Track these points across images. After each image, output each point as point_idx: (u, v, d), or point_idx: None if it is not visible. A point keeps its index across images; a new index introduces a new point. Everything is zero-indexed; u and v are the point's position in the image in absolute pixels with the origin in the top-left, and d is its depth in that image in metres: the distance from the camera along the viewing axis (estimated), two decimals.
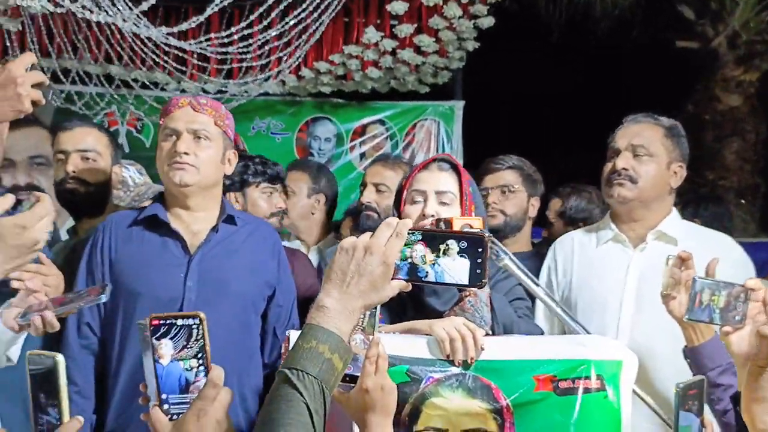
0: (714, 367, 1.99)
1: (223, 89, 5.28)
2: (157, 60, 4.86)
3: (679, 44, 7.40)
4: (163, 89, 5.38)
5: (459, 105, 6.06)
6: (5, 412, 1.87)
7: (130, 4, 3.52)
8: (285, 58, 4.71)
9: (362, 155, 6.03)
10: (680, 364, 2.14)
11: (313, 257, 3.44)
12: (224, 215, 2.50)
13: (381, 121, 6.03)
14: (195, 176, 2.39)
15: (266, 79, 4.92)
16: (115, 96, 5.40)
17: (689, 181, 2.91)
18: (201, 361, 1.29)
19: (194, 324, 1.29)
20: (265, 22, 4.09)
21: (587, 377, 1.91)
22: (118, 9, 3.34)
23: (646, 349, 2.33)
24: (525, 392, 1.91)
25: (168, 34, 3.64)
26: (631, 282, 2.51)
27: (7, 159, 2.60)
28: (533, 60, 7.45)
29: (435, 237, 1.32)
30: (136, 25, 3.41)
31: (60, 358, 1.39)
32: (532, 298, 2.39)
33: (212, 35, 4.27)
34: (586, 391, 1.91)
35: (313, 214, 3.46)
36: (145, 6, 3.12)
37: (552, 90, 7.71)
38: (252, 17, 4.11)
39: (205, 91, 5.27)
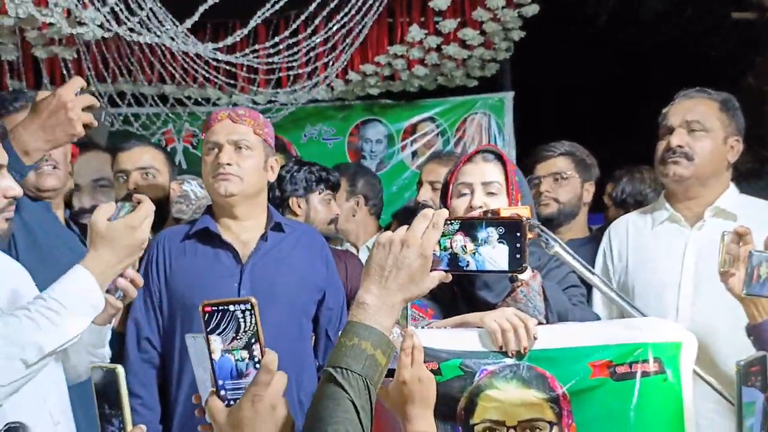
0: None
1: (273, 99, 5.36)
2: (207, 76, 4.97)
3: (734, 16, 7.16)
4: (215, 104, 5.49)
5: (509, 96, 6.00)
6: (82, 425, 1.94)
7: (176, 21, 3.61)
8: (331, 62, 4.75)
9: (414, 153, 6.02)
10: (742, 342, 2.10)
11: (363, 257, 3.48)
12: (272, 223, 2.56)
13: (431, 119, 6.02)
14: (239, 185, 2.47)
15: (314, 86, 4.97)
16: (170, 115, 5.54)
17: (753, 155, 2.83)
18: (253, 352, 1.29)
19: (246, 310, 1.29)
20: (309, 30, 4.14)
21: (645, 361, 1.88)
22: (166, 28, 3.43)
23: (707, 329, 2.28)
24: (581, 380, 1.89)
25: (215, 49, 3.72)
26: (689, 262, 2.46)
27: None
28: (583, 46, 7.31)
29: (473, 225, 1.31)
30: (184, 42, 3.50)
31: (120, 369, 1.43)
32: (588, 285, 2.36)
33: (258, 47, 4.33)
34: (645, 375, 1.87)
35: (354, 216, 3.50)
36: (188, 23, 3.19)
37: (603, 75, 7.56)
38: (296, 25, 4.16)
39: (255, 102, 5.36)
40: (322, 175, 3.22)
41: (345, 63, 4.88)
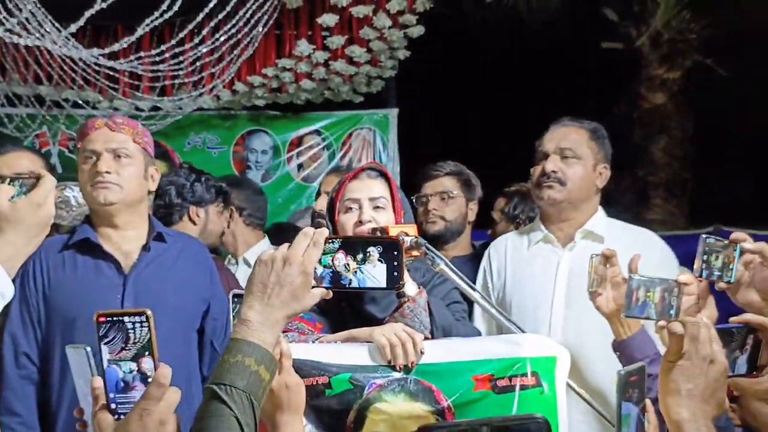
0: (642, 358, 2.08)
1: (157, 106, 5.25)
2: (88, 79, 4.81)
3: (604, 45, 7.61)
4: (95, 107, 5.32)
5: (393, 113, 6.14)
6: None
7: (58, 25, 3.49)
8: (218, 73, 4.71)
9: (300, 166, 6.06)
10: (611, 357, 2.24)
11: (242, 269, 3.49)
12: (154, 233, 2.53)
13: (317, 132, 6.07)
14: (119, 194, 2.43)
15: (200, 95, 4.91)
16: (47, 117, 5.32)
17: (618, 178, 3.04)
18: (142, 365, 1.28)
19: (138, 322, 1.27)
20: (196, 39, 4.09)
21: (523, 374, 1.98)
22: (47, 31, 3.31)
23: (578, 345, 2.43)
24: (465, 392, 1.97)
25: (99, 55, 3.62)
26: (561, 280, 2.61)
27: None
28: (463, 64, 7.59)
29: (353, 244, 1.38)
30: (65, 47, 3.38)
31: (88, 348, 1.47)
32: (469, 301, 2.47)
33: (143, 54, 4.24)
34: (523, 387, 1.98)
35: (228, 227, 3.50)
36: (73, 28, 3.10)
37: (483, 93, 7.88)
38: (183, 34, 4.11)
39: (138, 108, 5.24)
40: (221, 187, 3.24)
41: (232, 74, 4.84)
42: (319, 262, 1.36)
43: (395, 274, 1.36)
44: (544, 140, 2.68)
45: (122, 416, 1.25)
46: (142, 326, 1.27)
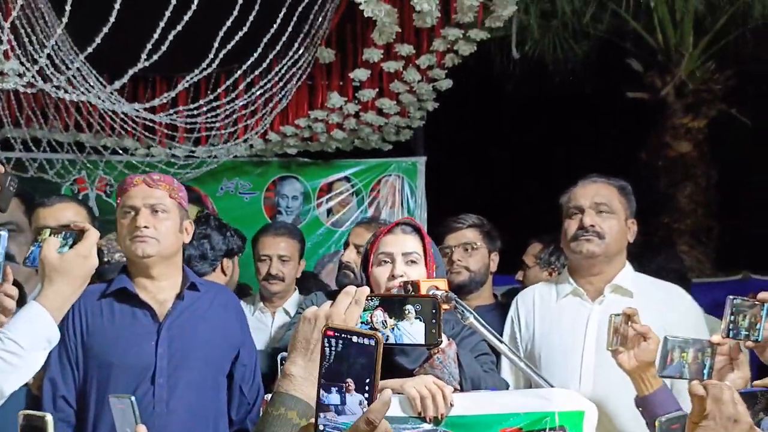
0: (664, 414, 2.13)
1: (192, 154, 5.40)
2: (126, 128, 4.97)
3: (629, 95, 7.69)
4: (132, 155, 5.49)
5: (421, 161, 6.25)
6: None
7: (102, 80, 3.64)
8: (252, 125, 4.85)
9: (329, 211, 6.17)
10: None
11: (279, 319, 3.58)
12: (188, 282, 2.64)
13: (347, 178, 6.20)
14: (156, 247, 2.54)
15: (234, 145, 5.05)
16: (87, 163, 5.50)
17: (646, 225, 3.08)
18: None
19: (369, 345, 1.17)
20: (233, 94, 4.24)
21: (552, 429, 2.04)
22: (91, 86, 3.46)
23: (606, 398, 2.46)
24: None
25: (142, 108, 3.76)
26: (590, 334, 2.63)
27: None
28: (490, 115, 7.71)
29: (392, 302, 1.44)
30: (109, 101, 3.53)
31: (49, 417, 1.49)
32: (496, 352, 2.53)
33: (181, 107, 4.39)
34: None
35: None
36: (117, 85, 3.23)
37: (509, 142, 7.98)
38: (220, 90, 4.26)
39: (173, 156, 5.39)
40: (244, 237, 3.37)
41: (266, 127, 4.98)
42: (359, 318, 1.42)
43: (433, 331, 1.42)
44: (577, 195, 2.73)
45: None
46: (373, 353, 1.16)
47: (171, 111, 4.10)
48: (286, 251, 3.52)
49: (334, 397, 1.17)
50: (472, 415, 2.06)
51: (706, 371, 1.91)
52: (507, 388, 2.46)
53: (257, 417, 2.75)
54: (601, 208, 2.69)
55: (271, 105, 4.46)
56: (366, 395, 1.15)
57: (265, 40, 3.51)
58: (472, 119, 7.62)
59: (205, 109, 4.42)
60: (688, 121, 7.39)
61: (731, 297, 1.95)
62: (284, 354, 1.90)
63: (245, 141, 5.06)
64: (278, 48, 3.58)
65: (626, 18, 7.16)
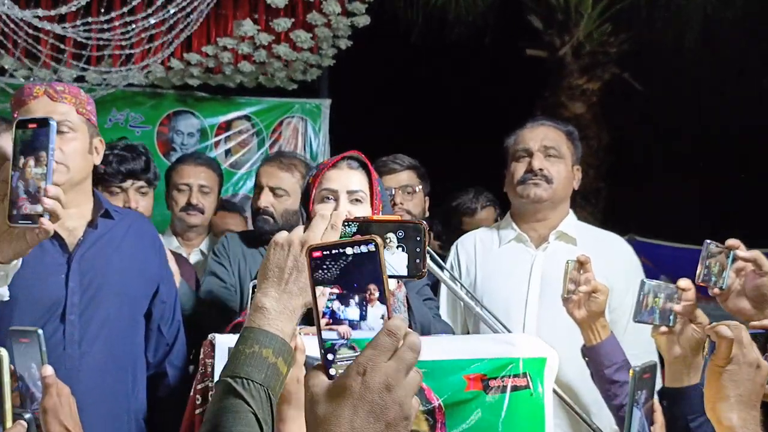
0: (610, 365, 2.09)
1: (80, 77, 4.91)
2: (6, 36, 4.41)
3: (528, 52, 7.73)
4: (11, 76, 4.93)
5: (326, 103, 6.01)
6: None
7: None
8: (154, 49, 4.45)
9: (228, 151, 5.84)
10: (582, 360, 2.24)
11: (194, 260, 3.32)
12: (101, 209, 2.35)
13: (247, 117, 5.86)
14: (64, 175, 2.21)
15: (131, 71, 4.62)
16: None
17: None
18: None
19: (369, 252, 1.00)
20: (148, 11, 3.85)
21: (516, 375, 1.95)
22: None
23: (551, 345, 2.41)
24: (456, 392, 1.93)
25: (43, 17, 3.31)
26: (534, 281, 2.58)
27: None
28: (394, 61, 7.58)
29: (372, 228, 1.27)
30: (2, 4, 3.08)
31: (3, 352, 1.28)
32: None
33: (76, 23, 3.93)
34: (515, 389, 1.95)
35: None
36: None
37: (410, 88, 7.90)
38: (134, 3, 3.85)
39: (59, 80, 4.88)
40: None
41: (166, 54, 4.57)
42: None
43: (417, 261, 1.26)
44: (525, 138, 2.64)
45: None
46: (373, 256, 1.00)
47: (80, 22, 3.65)
48: (207, 181, 3.26)
49: (353, 311, 1.00)
50: (434, 360, 1.95)
51: (671, 317, 1.86)
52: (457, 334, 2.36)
53: (176, 359, 2.54)
54: (550, 152, 2.62)
55: (175, 30, 4.09)
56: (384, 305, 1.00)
57: None
58: (375, 64, 7.45)
59: (101, 26, 3.99)
60: (584, 82, 7.52)
61: (708, 241, 1.91)
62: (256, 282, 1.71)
63: (143, 68, 4.63)
64: None
65: None
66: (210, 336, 1.93)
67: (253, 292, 1.69)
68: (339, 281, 1.01)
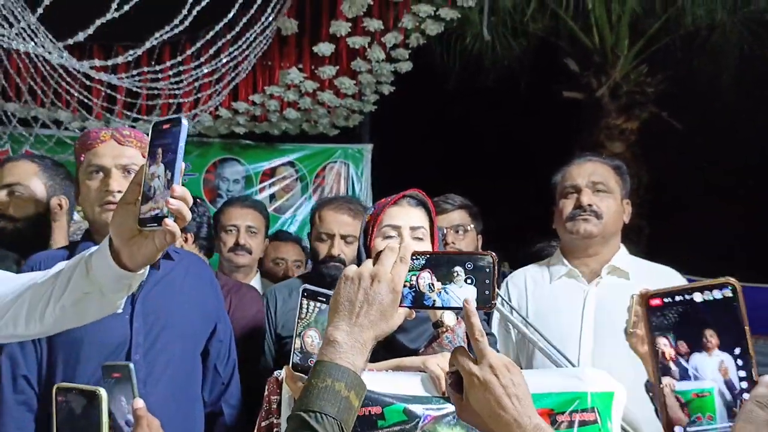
0: None
1: (133, 127, 5.06)
2: (59, 95, 4.58)
3: (565, 95, 7.79)
4: (66, 128, 5.09)
5: (368, 148, 6.12)
6: None
7: (51, 38, 3.35)
8: (202, 99, 4.59)
9: (272, 197, 5.95)
10: (640, 395, 2.22)
11: None
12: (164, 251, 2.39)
13: (291, 163, 5.99)
14: None
15: (192, 117, 4.76)
16: (14, 135, 5.05)
17: None
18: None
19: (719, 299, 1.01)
20: (200, 60, 3.98)
21: (584, 410, 1.93)
22: (41, 40, 3.17)
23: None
24: None
25: (99, 68, 3.45)
26: (588, 317, 2.57)
27: None
28: (432, 106, 7.68)
29: (439, 261, 1.29)
30: (60, 56, 3.22)
31: (102, 392, 1.34)
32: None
33: (143, 69, 4.08)
34: (582, 424, 1.93)
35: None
36: (80, 37, 2.96)
37: (450, 134, 7.99)
38: (182, 57, 3.99)
39: None
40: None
41: (216, 103, 4.72)
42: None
43: (487, 293, 1.28)
44: (573, 174, 2.66)
45: None
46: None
47: (133, 72, 3.79)
48: (254, 222, 3.33)
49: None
50: None
51: None
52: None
53: (232, 398, 2.57)
54: (599, 187, 2.63)
55: (224, 81, 4.21)
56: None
57: (235, 9, 3.30)
58: (414, 110, 7.56)
59: (150, 77, 4.12)
60: (622, 122, 7.54)
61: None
62: (307, 286, 1.74)
63: (193, 117, 4.76)
64: (249, 15, 3.37)
65: (564, 18, 7.24)
66: (276, 373, 1.96)
67: (302, 296, 1.74)
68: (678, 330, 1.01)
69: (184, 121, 1.27)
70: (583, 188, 2.61)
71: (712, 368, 1.01)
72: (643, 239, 7.41)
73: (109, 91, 4.36)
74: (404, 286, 1.28)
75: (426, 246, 2.21)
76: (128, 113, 4.63)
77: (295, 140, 5.95)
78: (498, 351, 2.39)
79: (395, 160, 6.63)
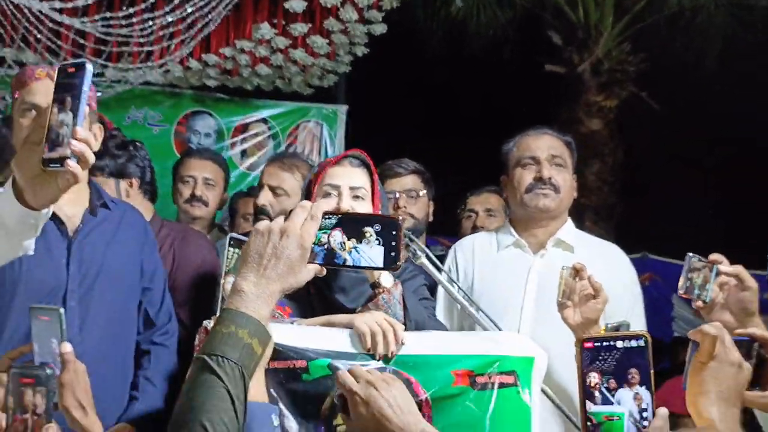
0: None
1: (101, 73, 5.00)
2: (29, 31, 4.49)
3: (547, 68, 7.76)
4: None
5: (342, 109, 6.09)
6: None
7: None
8: (172, 47, 4.53)
9: (243, 153, 5.92)
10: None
11: None
12: (100, 198, 2.41)
13: (264, 120, 5.94)
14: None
15: (149, 68, 4.70)
16: None
17: None
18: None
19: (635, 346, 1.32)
20: (167, 8, 3.93)
21: (502, 372, 1.97)
22: None
23: (545, 350, 2.43)
24: (443, 387, 1.95)
25: (60, 9, 3.40)
26: (530, 287, 2.60)
27: None
28: (412, 70, 7.65)
29: (351, 221, 1.34)
30: None
31: (62, 311, 1.41)
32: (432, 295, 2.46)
33: (96, 17, 4.00)
34: (501, 386, 1.97)
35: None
36: None
37: (426, 97, 7.98)
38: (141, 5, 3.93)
39: None
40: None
41: (185, 52, 4.67)
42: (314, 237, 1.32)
43: (392, 254, 1.32)
44: (531, 145, 2.66)
45: None
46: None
47: (97, 18, 3.73)
48: (212, 175, 3.33)
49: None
50: (423, 355, 1.98)
51: (707, 294, 1.97)
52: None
53: (162, 339, 2.60)
54: (557, 161, 2.64)
55: (195, 29, 4.17)
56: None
57: None
58: (393, 72, 7.53)
59: (122, 22, 4.06)
60: (601, 99, 7.54)
61: (690, 255, 1.97)
62: (234, 234, 1.77)
63: (161, 66, 4.71)
64: None
65: None
66: (205, 322, 1.98)
67: (229, 244, 1.78)
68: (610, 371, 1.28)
69: (89, 66, 1.28)
70: (543, 161, 2.62)
71: (629, 398, 1.31)
72: (615, 217, 7.47)
73: (76, 38, 4.27)
74: (317, 244, 1.32)
75: (367, 205, 2.23)
76: (96, 60, 4.56)
77: (269, 97, 5.91)
78: (434, 315, 2.44)
79: (371, 123, 6.61)
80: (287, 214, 1.35)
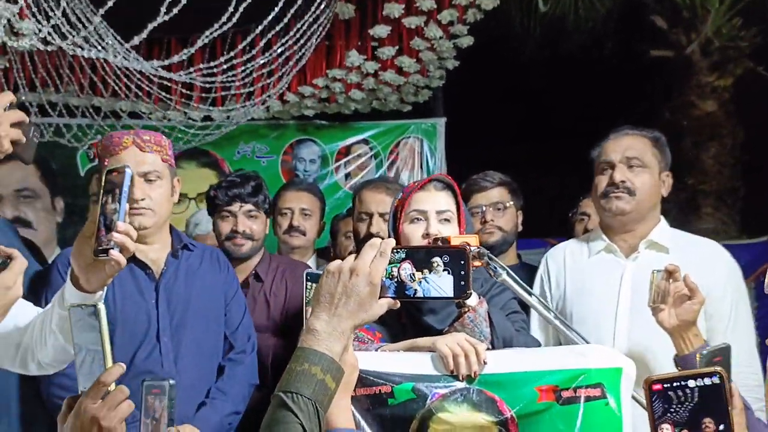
0: None
1: (208, 116, 5.31)
2: (141, 90, 4.87)
3: (653, 54, 7.51)
4: (149, 118, 5.40)
5: (441, 122, 6.13)
6: None
7: (119, 38, 3.57)
8: (271, 85, 4.76)
9: (347, 175, 6.08)
10: (673, 368, 2.22)
11: None
12: (180, 242, 2.64)
13: (365, 141, 6.08)
14: (152, 218, 2.50)
15: (252, 106, 4.96)
16: (105, 127, 5.39)
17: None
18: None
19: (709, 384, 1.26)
20: (252, 52, 4.15)
21: (588, 386, 1.96)
22: (109, 44, 3.39)
23: (643, 356, 2.40)
24: (528, 403, 1.95)
25: (159, 67, 3.67)
26: (625, 291, 2.57)
27: None
28: (511, 75, 7.57)
29: (419, 254, 1.39)
30: (126, 59, 3.45)
31: (101, 306, 1.47)
32: (526, 309, 2.46)
33: (202, 66, 4.27)
34: (588, 399, 1.96)
35: None
36: (136, 40, 3.16)
37: (529, 102, 7.86)
38: (239, 48, 4.16)
39: (190, 119, 5.31)
40: None
41: (284, 87, 4.89)
42: (385, 272, 1.38)
43: (462, 283, 1.36)
44: (608, 150, 2.63)
45: None
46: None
47: (192, 70, 4.00)
48: (308, 205, 3.47)
49: None
50: (506, 373, 2.00)
51: None
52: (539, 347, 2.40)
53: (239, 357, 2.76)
54: (633, 162, 2.59)
55: (289, 65, 4.36)
56: None
57: None
58: (491, 79, 7.48)
59: (223, 68, 4.32)
60: (714, 79, 7.21)
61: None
62: (309, 271, 1.87)
63: (263, 103, 4.95)
64: (297, 5, 3.47)
65: None
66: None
67: (307, 280, 1.89)
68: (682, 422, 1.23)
69: (128, 170, 1.53)
70: (617, 164, 2.59)
71: None
72: (738, 201, 7.12)
73: (184, 91, 4.58)
74: (387, 277, 1.38)
75: (453, 228, 2.28)
76: (202, 106, 4.88)
77: (368, 118, 6.03)
78: (524, 329, 2.45)
79: (470, 133, 6.61)
80: (357, 253, 1.43)
